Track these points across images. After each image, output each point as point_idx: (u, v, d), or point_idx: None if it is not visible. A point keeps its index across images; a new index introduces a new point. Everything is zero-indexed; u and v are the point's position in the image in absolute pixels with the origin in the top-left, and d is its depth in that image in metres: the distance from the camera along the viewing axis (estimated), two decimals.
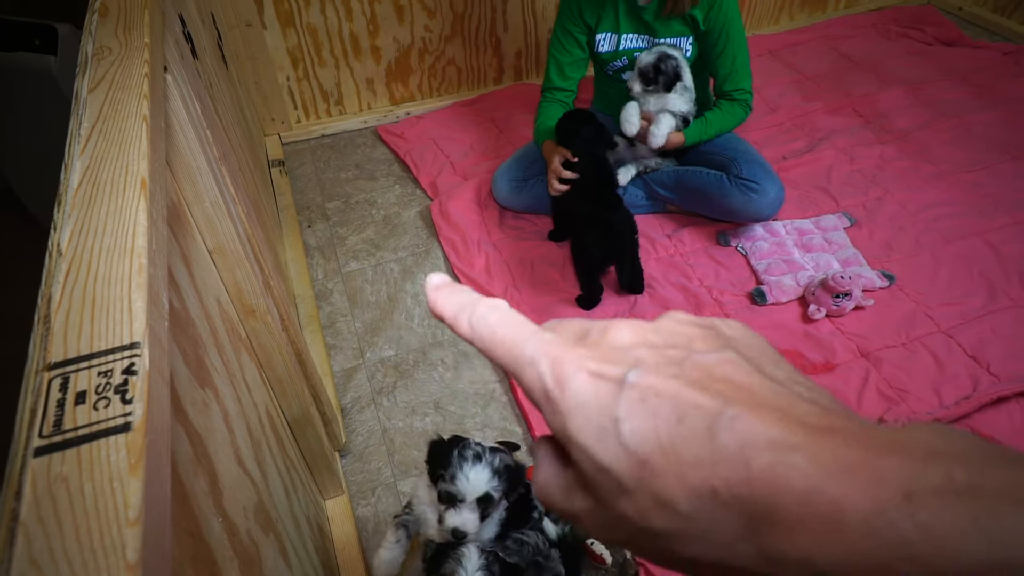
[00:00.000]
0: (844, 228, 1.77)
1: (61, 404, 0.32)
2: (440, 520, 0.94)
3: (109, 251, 0.40)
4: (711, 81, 1.80)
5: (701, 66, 1.72)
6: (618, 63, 1.75)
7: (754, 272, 1.68)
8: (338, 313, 1.70)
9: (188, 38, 1.04)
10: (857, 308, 1.55)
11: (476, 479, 0.92)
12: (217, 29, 1.71)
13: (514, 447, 1.30)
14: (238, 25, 2.00)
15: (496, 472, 0.93)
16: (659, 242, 1.78)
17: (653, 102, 1.67)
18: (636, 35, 1.69)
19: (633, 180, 1.84)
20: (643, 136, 1.66)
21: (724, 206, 1.70)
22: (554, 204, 1.74)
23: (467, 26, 2.27)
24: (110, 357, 0.34)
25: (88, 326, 0.36)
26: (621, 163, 1.84)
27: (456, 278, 1.74)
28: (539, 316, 1.60)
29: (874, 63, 2.44)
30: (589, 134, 1.60)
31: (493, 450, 0.95)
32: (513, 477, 0.95)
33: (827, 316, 1.55)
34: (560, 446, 0.24)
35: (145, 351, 0.35)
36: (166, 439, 0.36)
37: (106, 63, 0.58)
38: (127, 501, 0.29)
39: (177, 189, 0.69)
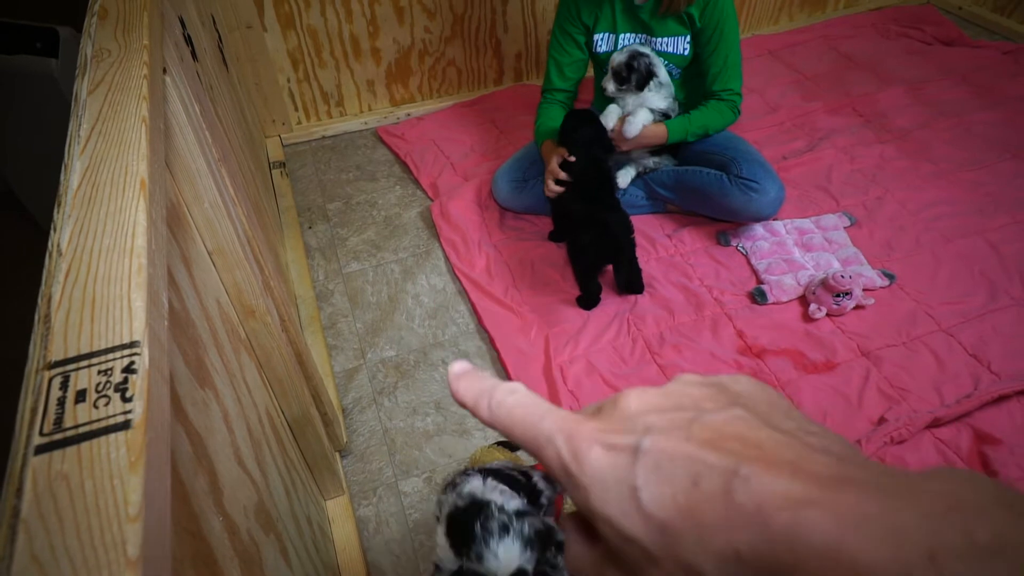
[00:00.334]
0: (844, 227, 1.77)
1: (61, 402, 0.32)
2: None
3: (109, 251, 0.40)
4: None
5: (698, 67, 1.72)
6: None
7: (754, 271, 1.68)
8: (339, 314, 1.70)
9: (188, 40, 1.05)
10: (858, 307, 1.55)
11: (507, 556, 0.85)
12: (218, 31, 1.71)
13: (515, 447, 1.30)
14: (238, 27, 2.01)
15: (527, 543, 0.86)
16: (659, 242, 1.78)
17: (632, 101, 1.68)
18: (633, 34, 1.70)
19: (633, 180, 1.85)
20: (619, 136, 1.67)
21: (724, 206, 1.70)
22: (553, 205, 1.75)
23: (467, 27, 2.27)
24: (110, 356, 0.34)
25: (88, 325, 0.36)
26: (620, 164, 1.84)
27: (457, 278, 1.74)
28: (539, 316, 1.61)
29: (874, 63, 2.44)
30: (588, 135, 1.60)
31: (520, 514, 0.89)
32: (545, 540, 0.89)
33: (828, 315, 1.55)
34: (586, 521, 0.24)
35: (145, 350, 0.35)
36: (166, 437, 0.36)
37: (105, 65, 0.58)
38: (127, 498, 0.29)
39: (176, 190, 0.70)
